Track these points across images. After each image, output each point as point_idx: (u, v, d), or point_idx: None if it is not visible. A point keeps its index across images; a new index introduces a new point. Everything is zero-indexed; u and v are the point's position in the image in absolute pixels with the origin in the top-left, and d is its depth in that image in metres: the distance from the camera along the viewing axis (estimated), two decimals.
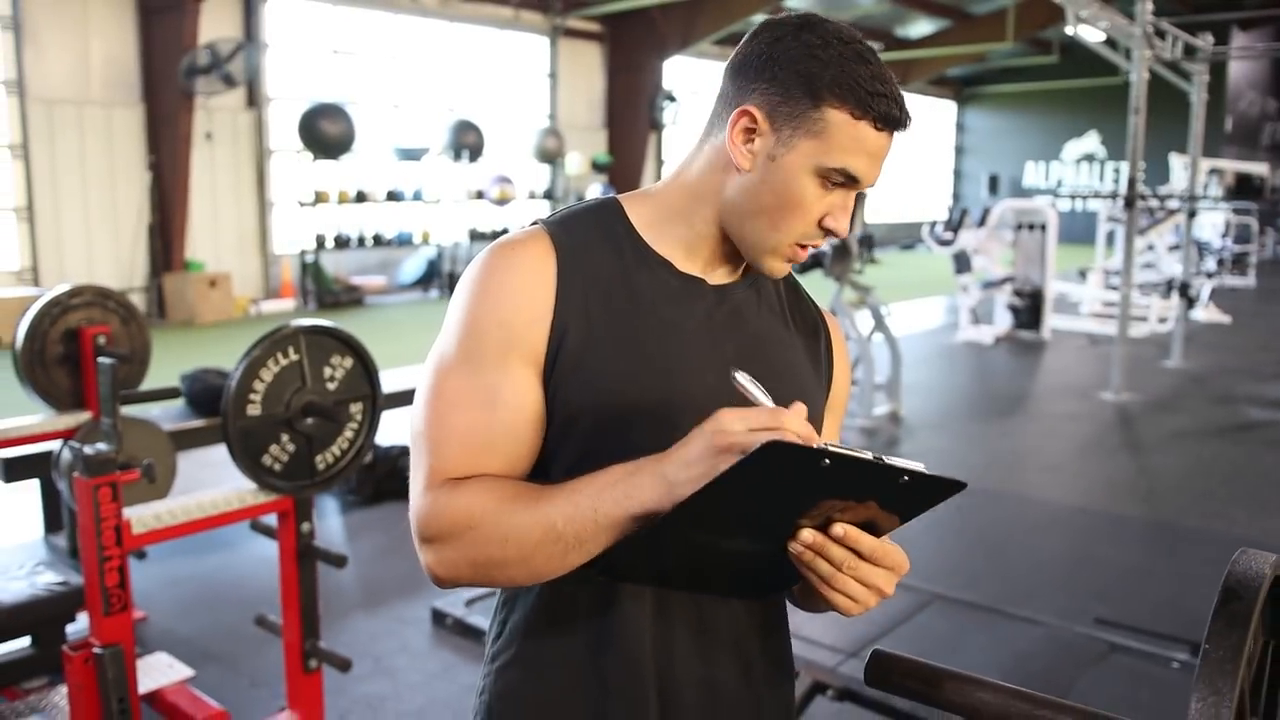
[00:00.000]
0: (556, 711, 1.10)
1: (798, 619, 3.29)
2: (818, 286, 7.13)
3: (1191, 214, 9.05)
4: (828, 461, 0.87)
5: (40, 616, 2.79)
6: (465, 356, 1.06)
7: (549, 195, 15.72)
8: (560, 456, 1.08)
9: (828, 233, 1.07)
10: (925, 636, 3.41)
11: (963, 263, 9.95)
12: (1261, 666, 1.12)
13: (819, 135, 1.03)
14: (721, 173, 1.09)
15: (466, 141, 13.52)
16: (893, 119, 1.06)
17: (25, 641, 2.84)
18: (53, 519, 4.16)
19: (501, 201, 14.39)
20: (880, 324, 6.68)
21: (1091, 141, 24.28)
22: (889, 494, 0.91)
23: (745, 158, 1.05)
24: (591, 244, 1.11)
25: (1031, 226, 10.04)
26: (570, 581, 1.02)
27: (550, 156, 15.16)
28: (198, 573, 3.94)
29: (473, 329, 1.06)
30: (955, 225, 10.31)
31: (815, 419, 1.14)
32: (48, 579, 2.83)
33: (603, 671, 1.08)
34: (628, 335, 1.08)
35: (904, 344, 7.28)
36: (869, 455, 0.90)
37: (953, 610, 3.61)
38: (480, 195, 14.25)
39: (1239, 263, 14.87)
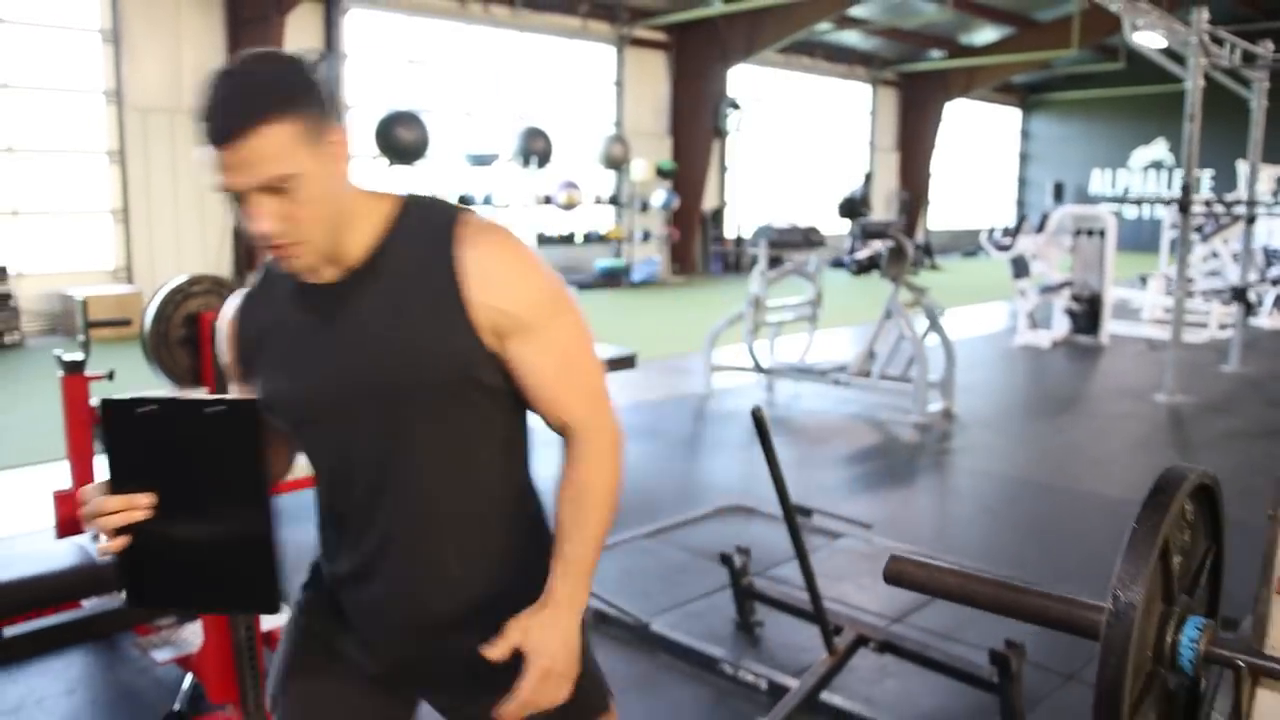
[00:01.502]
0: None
1: (844, 588, 3.60)
2: (875, 287, 7.39)
3: (1251, 219, 9.12)
4: (153, 408, 1.30)
5: None
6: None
7: (615, 200, 16.09)
8: None
9: (260, 235, 1.27)
10: (965, 609, 3.66)
11: (1021, 267, 10.10)
12: (1202, 564, 1.40)
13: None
14: None
15: (535, 148, 13.93)
16: (217, 135, 1.21)
17: None
18: None
19: (568, 206, 14.79)
20: (935, 324, 6.90)
21: (1160, 148, 24.08)
22: (203, 431, 1.31)
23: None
24: (270, 279, 1.43)
25: (1090, 232, 10.16)
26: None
27: (616, 163, 15.53)
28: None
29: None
30: (1014, 230, 10.46)
31: (448, 363, 1.33)
32: None
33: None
34: (271, 357, 1.39)
35: (962, 347, 7.50)
36: (177, 395, 1.37)
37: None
38: (548, 200, 14.66)
39: None
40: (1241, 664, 1.22)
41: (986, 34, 20.64)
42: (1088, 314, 10.09)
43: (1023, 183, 27.02)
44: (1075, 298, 10.16)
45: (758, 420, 2.69)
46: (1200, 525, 1.39)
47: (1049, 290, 10.20)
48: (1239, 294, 8.89)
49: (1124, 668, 1.16)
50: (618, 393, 6.20)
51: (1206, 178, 21.40)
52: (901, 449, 6.18)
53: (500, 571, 1.44)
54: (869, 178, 20.34)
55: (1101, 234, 10.03)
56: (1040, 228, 10.43)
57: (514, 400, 1.42)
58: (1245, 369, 8.56)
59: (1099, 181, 25.16)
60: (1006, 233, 10.54)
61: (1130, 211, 21.81)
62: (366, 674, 1.49)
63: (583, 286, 15.02)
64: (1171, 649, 1.25)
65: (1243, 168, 15.20)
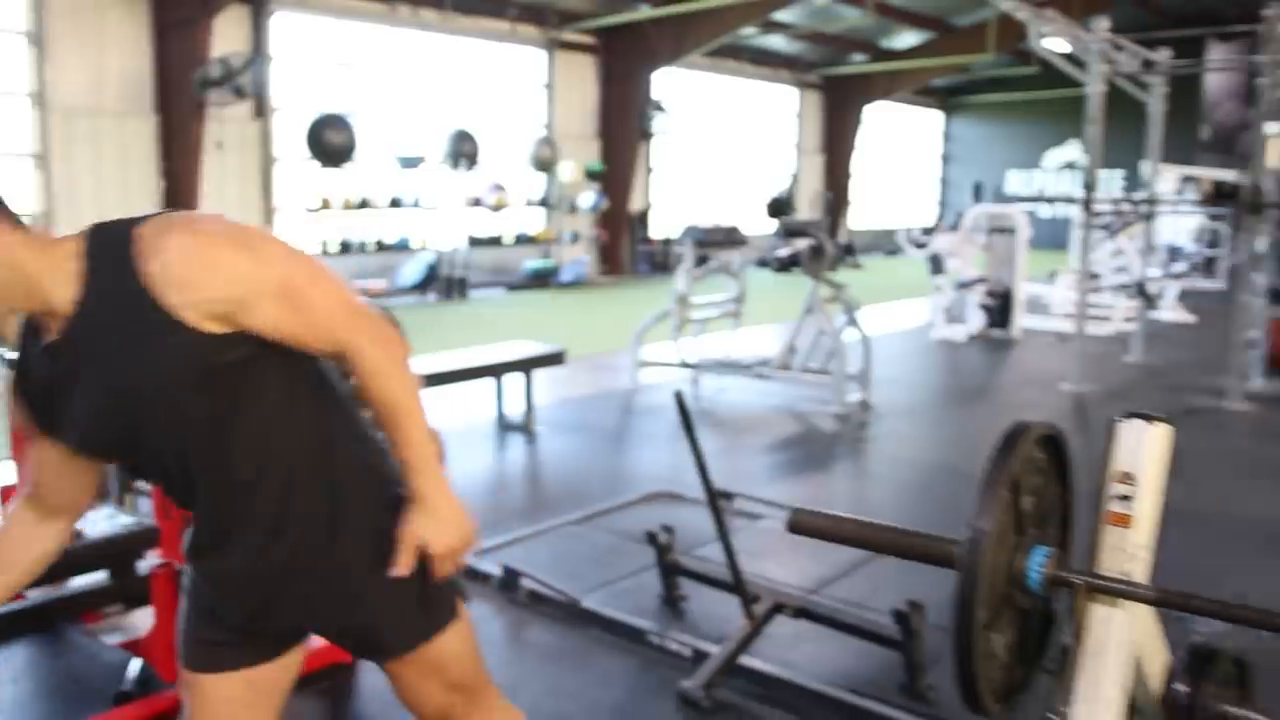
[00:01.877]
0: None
1: (764, 565, 3.81)
2: (796, 285, 7.66)
3: (1149, 217, 9.58)
4: None
5: (117, 551, 3.26)
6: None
7: (544, 202, 16.24)
8: None
9: None
10: (878, 576, 3.91)
11: (937, 265, 10.47)
12: (1051, 503, 1.62)
13: None
14: None
15: (464, 150, 14.03)
16: None
17: (104, 574, 3.33)
18: None
19: (498, 208, 14.92)
20: (853, 319, 7.18)
21: (1072, 150, 24.86)
22: None
23: None
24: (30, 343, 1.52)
25: (1003, 230, 10.57)
26: None
27: (545, 165, 15.68)
28: None
29: None
30: (931, 230, 10.84)
31: (185, 356, 1.42)
32: (124, 520, 3.31)
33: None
34: (47, 405, 1.52)
35: (883, 341, 7.79)
36: None
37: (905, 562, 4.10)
38: (478, 202, 14.76)
39: (1208, 266, 15.42)
40: (1078, 582, 1.44)
41: (907, 38, 21.16)
42: (1001, 309, 10.48)
43: (944, 183, 27.69)
44: (989, 293, 10.55)
45: (680, 403, 2.90)
46: (1051, 471, 1.60)
47: (964, 286, 10.57)
48: (1140, 289, 9.33)
49: (975, 586, 1.37)
50: (547, 390, 6.42)
51: (1118, 178, 22.17)
52: (821, 438, 6.45)
53: (321, 515, 1.59)
54: (795, 178, 20.81)
55: (1013, 232, 10.43)
56: (955, 226, 10.82)
57: (282, 359, 1.52)
58: (1147, 359, 8.99)
59: (1015, 182, 25.90)
60: (924, 232, 10.92)
61: (1044, 211, 22.49)
62: (235, 626, 1.68)
63: (512, 287, 15.15)
64: (1021, 573, 1.46)
65: (1146, 168, 15.88)
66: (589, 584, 3.80)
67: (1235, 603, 1.35)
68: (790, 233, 7.47)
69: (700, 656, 3.16)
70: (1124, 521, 1.47)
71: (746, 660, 3.11)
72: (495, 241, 15.66)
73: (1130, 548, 1.46)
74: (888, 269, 19.16)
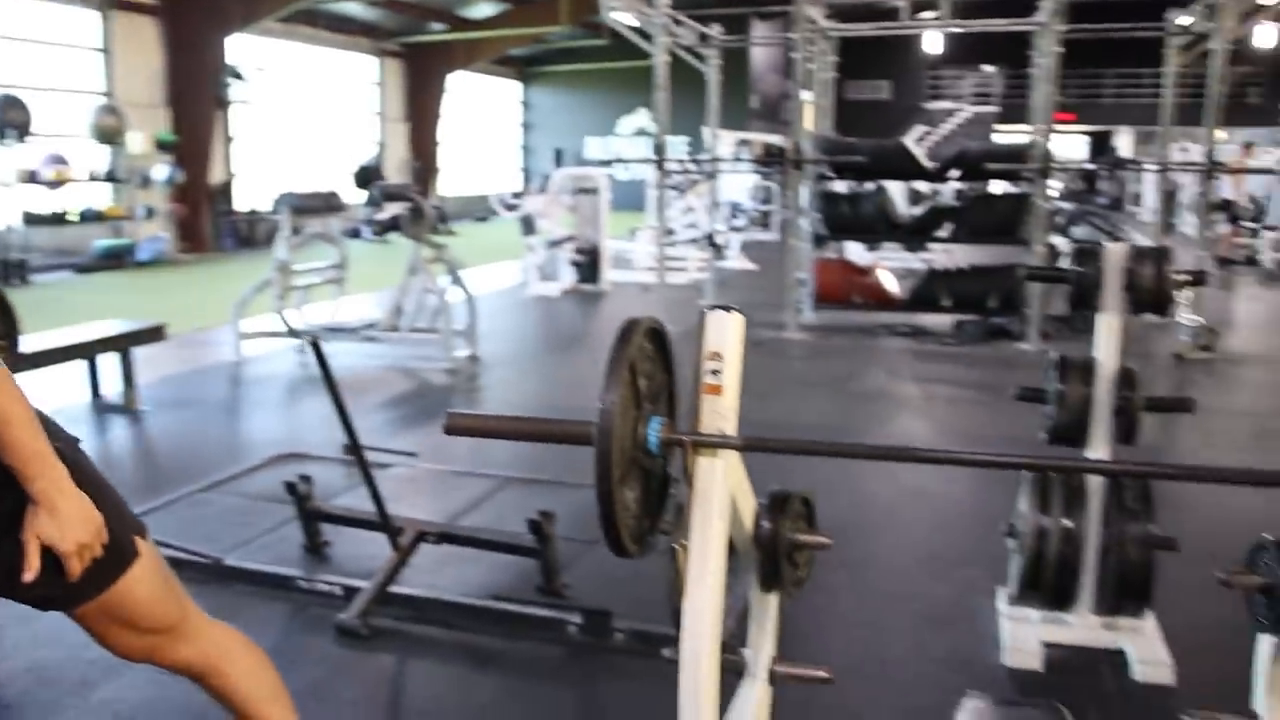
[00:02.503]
0: None
1: (399, 508, 4.05)
2: (394, 253, 7.83)
3: (712, 176, 10.68)
4: None
5: None
6: None
7: (111, 176, 15.02)
8: None
9: None
10: (504, 504, 4.26)
11: (529, 226, 11.01)
12: (659, 384, 1.99)
13: None
14: None
15: (13, 119, 12.69)
16: None
17: None
18: None
19: (58, 183, 13.64)
20: (456, 278, 7.47)
21: (642, 117, 26.62)
22: None
23: None
24: None
25: (587, 191, 11.30)
26: None
27: (110, 136, 14.51)
28: None
29: None
30: (521, 193, 11.36)
31: None
32: None
33: None
34: None
35: (482, 301, 8.12)
36: None
37: (524, 487, 4.49)
38: (33, 177, 13.41)
39: (764, 220, 17.29)
40: (687, 440, 1.83)
41: (484, 8, 21.62)
42: (590, 265, 11.23)
43: (526, 150, 28.64)
44: (578, 251, 11.25)
45: (317, 350, 3.05)
46: (658, 358, 1.98)
47: (555, 245, 11.21)
48: (709, 240, 10.39)
49: (610, 450, 1.71)
50: (146, 369, 6.20)
51: (683, 143, 24.08)
52: (434, 391, 6.71)
53: None
54: (382, 147, 20.67)
55: (596, 192, 11.19)
56: (543, 189, 11.42)
57: None
58: (719, 302, 10.04)
59: (594, 148, 27.33)
60: (515, 195, 11.42)
61: (621, 174, 23.98)
62: None
63: (82, 269, 13.93)
64: (643, 439, 1.82)
65: (707, 133, 17.49)
66: (227, 545, 3.83)
67: (802, 440, 1.80)
68: (388, 197, 7.62)
69: (351, 593, 3.34)
70: (716, 390, 1.87)
71: (397, 589, 3.34)
72: (59, 219, 14.31)
73: (722, 410, 1.87)
74: (480, 233, 19.61)
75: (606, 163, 18.14)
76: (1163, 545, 2.91)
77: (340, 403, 3.18)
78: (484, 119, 26.77)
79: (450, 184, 24.41)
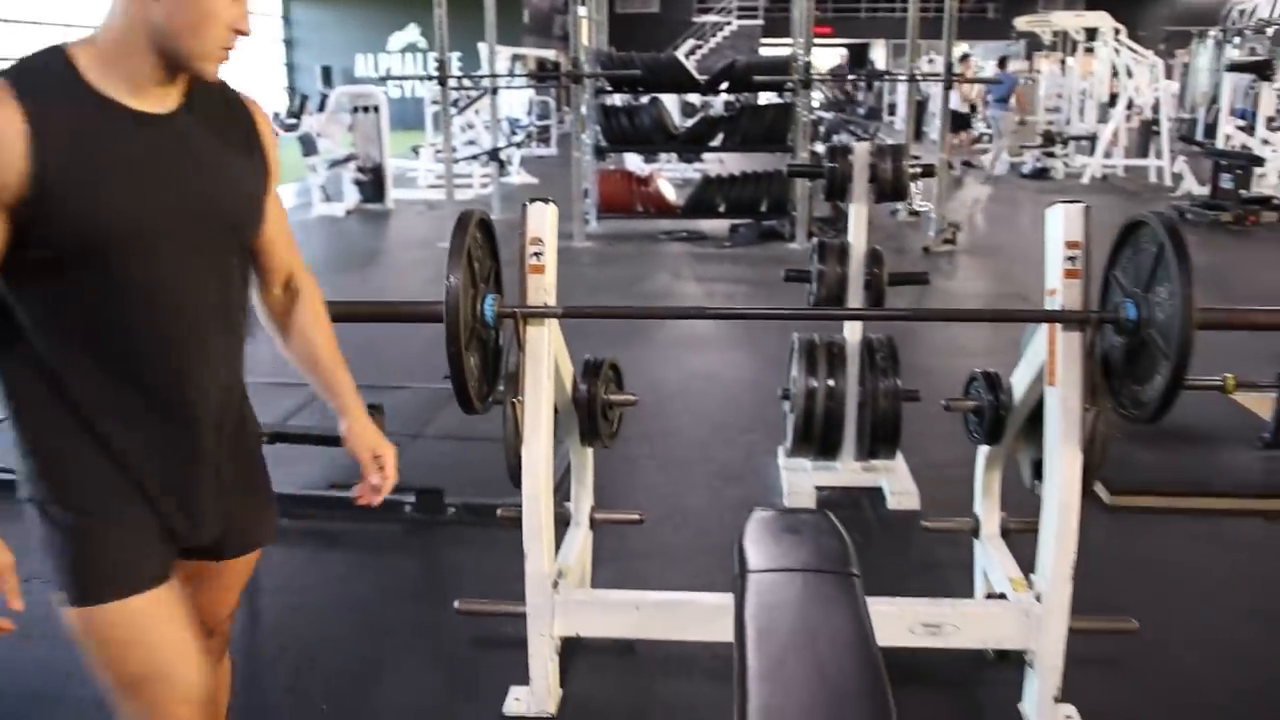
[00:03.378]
0: None
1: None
2: None
3: (494, 91, 10.83)
4: None
5: None
6: None
7: None
8: (36, 297, 1.34)
9: (239, 33, 1.37)
10: (321, 412, 4.45)
11: (309, 145, 10.86)
12: (489, 267, 2.32)
13: None
14: (140, 8, 1.29)
15: None
16: None
17: None
18: None
19: None
20: None
21: (412, 33, 26.08)
22: None
23: None
24: (51, 95, 1.28)
25: (366, 109, 11.21)
26: None
27: None
28: None
29: None
30: (297, 112, 11.16)
31: (258, 205, 1.51)
32: None
33: None
34: (90, 177, 1.28)
35: None
36: None
37: None
38: None
39: (543, 135, 17.48)
40: (518, 312, 2.18)
41: None
42: (373, 183, 11.21)
43: (291, 68, 27.54)
44: (360, 169, 11.20)
45: None
46: (487, 246, 2.31)
47: (337, 164, 11.11)
48: (494, 155, 10.58)
49: (456, 322, 2.04)
50: None
51: (455, 59, 23.79)
52: None
53: (243, 395, 1.62)
54: None
55: (376, 110, 11.13)
56: (321, 108, 11.26)
57: None
58: (505, 215, 10.28)
59: (363, 65, 26.59)
60: (292, 114, 11.21)
61: (394, 91, 23.51)
62: (160, 525, 1.47)
63: None
64: (481, 313, 2.16)
65: (484, 49, 17.44)
66: None
67: (613, 305, 2.18)
68: None
69: None
70: (539, 270, 2.22)
71: None
72: None
73: (545, 286, 2.22)
74: None
75: (381, 80, 17.84)
76: (908, 397, 3.49)
77: None
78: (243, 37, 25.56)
79: None
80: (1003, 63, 15.97)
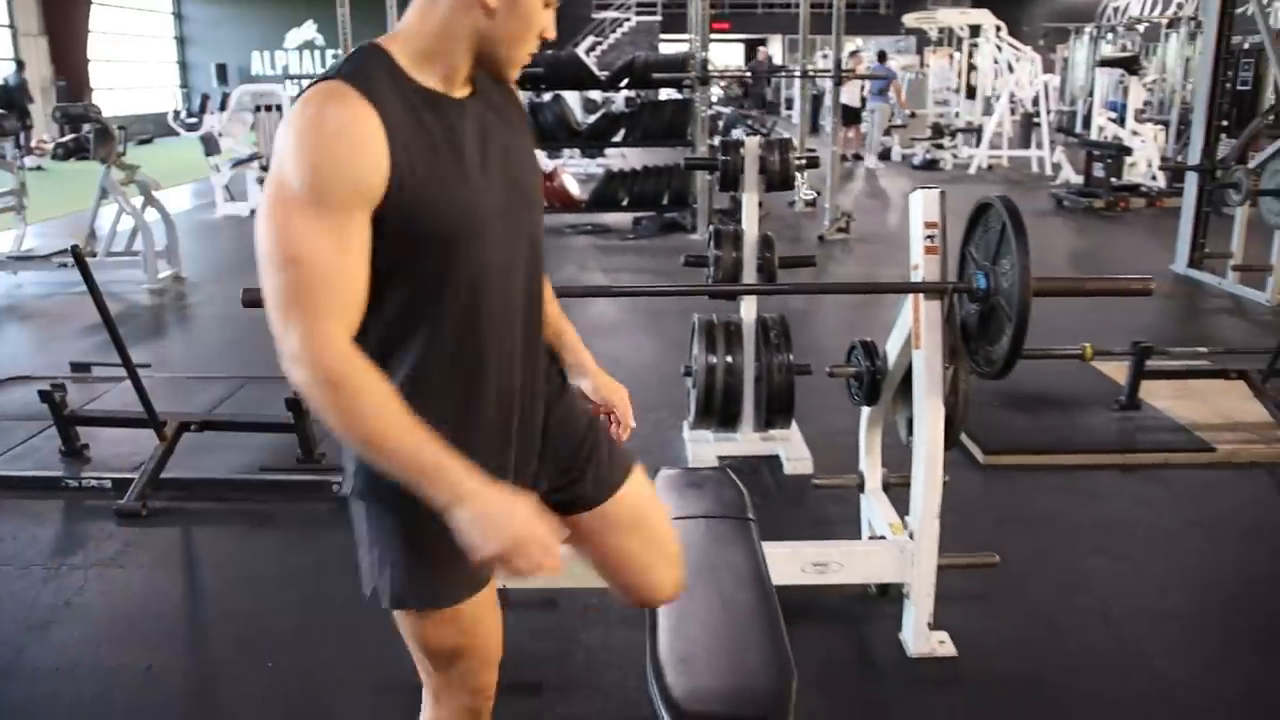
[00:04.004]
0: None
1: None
2: (77, 172, 7.63)
3: None
4: None
5: None
6: (315, 201, 1.25)
7: None
8: (400, 281, 1.35)
9: (544, 39, 1.43)
10: (246, 401, 4.64)
11: (211, 145, 10.85)
12: None
13: None
14: (466, 13, 1.35)
15: None
16: None
17: None
18: None
19: None
20: (150, 198, 7.47)
21: (309, 30, 25.84)
22: None
23: (493, 1, 1.34)
24: (390, 93, 1.31)
25: (269, 108, 11.23)
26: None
27: None
28: None
29: (321, 178, 1.25)
30: (199, 111, 11.12)
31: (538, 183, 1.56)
32: None
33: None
34: (437, 166, 1.33)
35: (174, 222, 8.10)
36: None
37: (263, 384, 4.81)
38: None
39: None
40: None
41: None
42: None
43: (184, 66, 27.05)
44: (264, 168, 11.19)
45: (78, 257, 3.35)
46: None
47: (240, 164, 11.10)
48: None
49: None
50: None
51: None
52: (144, 312, 6.80)
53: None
54: (21, 65, 19.07)
55: (279, 108, 11.14)
56: (223, 107, 11.24)
57: None
58: None
59: (260, 63, 26.26)
60: (191, 113, 11.16)
61: (293, 89, 23.29)
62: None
63: None
64: None
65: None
66: None
67: None
68: (70, 117, 7.45)
69: (121, 485, 3.67)
70: None
71: (168, 474, 3.71)
72: None
73: None
74: (147, 156, 18.59)
75: (280, 78, 17.74)
76: (801, 371, 3.81)
77: (105, 310, 3.49)
78: (136, 34, 25.02)
79: (106, 104, 22.78)
80: (881, 56, 16.58)
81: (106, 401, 4.52)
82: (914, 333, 2.55)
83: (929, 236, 2.51)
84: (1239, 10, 7.69)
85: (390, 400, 1.28)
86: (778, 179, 3.73)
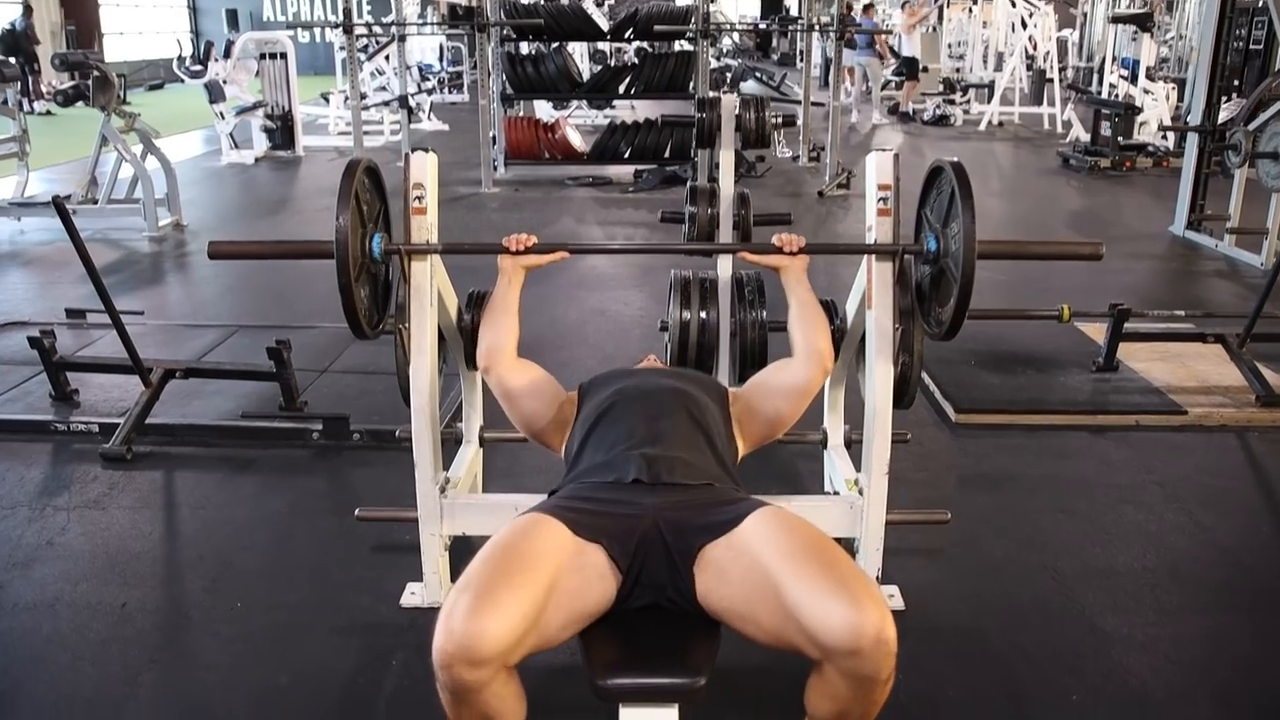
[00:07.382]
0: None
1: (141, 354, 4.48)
2: (84, 117, 7.71)
3: (402, 39, 10.91)
4: None
5: None
6: None
7: None
8: None
9: None
10: (235, 350, 4.72)
11: (216, 92, 10.85)
12: (377, 210, 2.59)
13: None
14: None
15: None
16: None
17: None
18: None
19: None
20: (150, 146, 7.51)
21: None
22: None
23: None
24: None
25: (274, 56, 11.21)
26: None
27: None
28: None
29: None
30: (203, 58, 11.12)
31: None
32: None
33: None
34: None
35: (178, 170, 8.16)
36: None
37: (252, 332, 4.93)
38: None
39: (456, 81, 17.50)
40: (403, 249, 2.46)
41: None
42: (283, 130, 11.24)
43: (196, 11, 26.91)
44: (269, 116, 11.22)
45: (59, 208, 3.41)
46: (375, 190, 2.58)
47: (245, 111, 11.11)
48: (402, 101, 10.69)
49: (346, 257, 2.32)
50: None
51: (365, 4, 23.50)
52: (144, 259, 6.87)
53: None
54: (29, 9, 19.03)
55: (283, 56, 11.13)
56: (227, 54, 11.23)
57: None
58: None
59: (270, 9, 26.11)
60: (197, 61, 11.16)
61: (303, 36, 23.18)
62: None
63: None
64: (369, 249, 2.44)
65: None
66: None
67: (491, 243, 2.48)
68: (70, 64, 7.48)
69: (107, 429, 3.76)
70: (421, 211, 2.51)
71: (153, 420, 3.79)
72: None
73: (426, 226, 2.51)
74: (156, 102, 18.63)
75: (291, 25, 17.65)
76: (774, 328, 3.84)
77: (86, 256, 3.55)
78: None
79: (115, 49, 22.74)
80: (867, 9, 16.14)
81: (99, 348, 4.60)
82: (867, 293, 2.59)
83: (882, 199, 2.54)
84: None
85: None
86: (753, 137, 3.75)
